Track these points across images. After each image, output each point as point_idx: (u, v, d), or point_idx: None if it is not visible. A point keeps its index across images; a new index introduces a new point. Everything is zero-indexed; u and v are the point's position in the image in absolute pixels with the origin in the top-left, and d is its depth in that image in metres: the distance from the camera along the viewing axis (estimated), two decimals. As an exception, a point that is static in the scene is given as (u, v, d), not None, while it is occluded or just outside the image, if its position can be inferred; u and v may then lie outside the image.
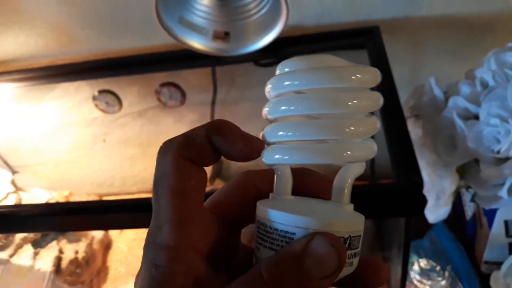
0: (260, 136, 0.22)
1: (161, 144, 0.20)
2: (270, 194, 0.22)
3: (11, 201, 0.88)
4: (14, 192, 0.90)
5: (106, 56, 0.80)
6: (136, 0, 0.73)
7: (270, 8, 0.57)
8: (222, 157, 0.21)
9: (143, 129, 0.94)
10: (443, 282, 0.68)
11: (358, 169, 0.21)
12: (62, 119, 0.92)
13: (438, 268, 0.70)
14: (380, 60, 0.63)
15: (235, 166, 0.99)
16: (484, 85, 0.56)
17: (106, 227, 0.75)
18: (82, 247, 0.85)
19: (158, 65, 0.80)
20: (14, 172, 1.00)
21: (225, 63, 0.78)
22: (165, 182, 0.20)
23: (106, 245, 0.93)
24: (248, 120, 0.88)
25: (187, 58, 0.75)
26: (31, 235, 0.83)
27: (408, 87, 0.70)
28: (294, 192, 0.22)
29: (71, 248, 0.83)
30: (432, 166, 0.60)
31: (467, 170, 0.59)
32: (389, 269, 0.62)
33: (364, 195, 0.45)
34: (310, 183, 0.22)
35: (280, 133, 0.21)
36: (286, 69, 0.21)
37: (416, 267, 0.71)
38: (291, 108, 0.20)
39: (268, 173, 0.22)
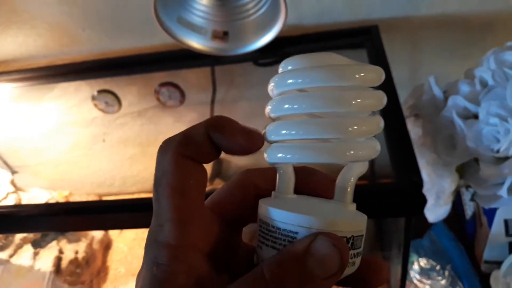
0: (262, 134, 0.21)
1: (160, 143, 0.20)
2: (272, 192, 0.22)
3: (11, 201, 0.88)
4: (14, 192, 0.90)
5: (106, 56, 0.80)
6: (136, 0, 0.73)
7: (269, 8, 0.57)
8: (222, 157, 0.21)
9: (143, 129, 0.94)
10: (443, 282, 0.68)
11: (361, 168, 0.21)
12: (61, 119, 0.92)
13: (438, 267, 0.70)
14: (379, 60, 0.63)
15: (235, 166, 0.99)
16: (484, 84, 0.56)
17: (106, 227, 0.75)
18: (82, 247, 0.85)
19: (157, 65, 0.80)
20: (14, 172, 1.00)
21: (224, 63, 0.78)
22: (165, 181, 0.19)
23: (106, 245, 0.93)
24: (247, 120, 0.87)
25: (186, 58, 0.75)
26: (31, 235, 0.82)
27: (407, 87, 0.70)
28: (297, 191, 0.21)
29: (71, 248, 0.83)
30: (431, 165, 0.60)
31: (467, 170, 0.59)
32: (389, 268, 0.62)
33: (364, 195, 0.45)
34: (313, 182, 0.22)
35: (283, 131, 0.20)
36: (289, 67, 0.21)
37: (416, 266, 0.71)
38: (294, 106, 0.20)
39: (268, 171, 0.22)
